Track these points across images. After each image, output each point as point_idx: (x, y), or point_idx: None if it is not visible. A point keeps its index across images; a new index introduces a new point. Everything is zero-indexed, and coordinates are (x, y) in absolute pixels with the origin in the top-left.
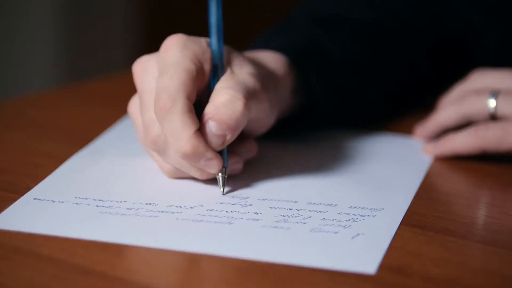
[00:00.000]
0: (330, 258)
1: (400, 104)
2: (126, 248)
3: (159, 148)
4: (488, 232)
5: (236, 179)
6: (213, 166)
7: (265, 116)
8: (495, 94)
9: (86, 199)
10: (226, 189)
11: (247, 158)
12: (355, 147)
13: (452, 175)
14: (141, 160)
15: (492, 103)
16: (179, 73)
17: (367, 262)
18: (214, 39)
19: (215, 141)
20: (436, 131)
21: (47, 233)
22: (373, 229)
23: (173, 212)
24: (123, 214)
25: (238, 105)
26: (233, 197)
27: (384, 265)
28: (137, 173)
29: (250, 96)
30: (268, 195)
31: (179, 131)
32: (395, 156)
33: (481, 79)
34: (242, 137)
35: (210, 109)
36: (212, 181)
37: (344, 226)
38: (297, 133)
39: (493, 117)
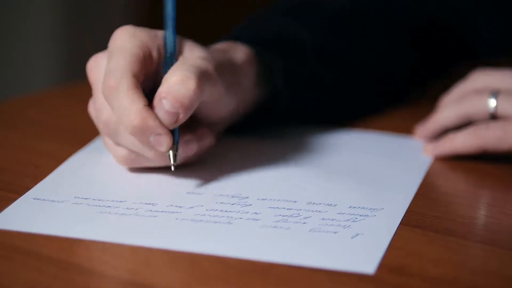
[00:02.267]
0: (329, 258)
1: (387, 97)
2: (126, 248)
3: (111, 131)
4: (488, 232)
5: (236, 179)
6: (163, 143)
7: (220, 100)
8: (495, 93)
9: (86, 198)
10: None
11: (203, 147)
12: (355, 147)
13: (452, 175)
14: None
15: (492, 102)
16: (124, 56)
17: (367, 262)
18: (170, 29)
19: (168, 119)
20: (436, 131)
21: (47, 233)
22: (372, 229)
23: (172, 212)
24: (122, 214)
25: (191, 83)
26: (233, 196)
27: (384, 265)
28: (137, 173)
29: (202, 76)
30: (267, 195)
31: (127, 107)
32: (395, 156)
33: (481, 78)
34: (198, 124)
35: (163, 89)
36: (212, 182)
37: (344, 226)
38: (280, 128)
39: (493, 116)
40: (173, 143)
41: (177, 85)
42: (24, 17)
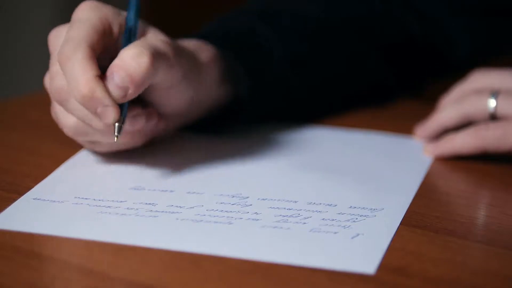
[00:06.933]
0: (330, 258)
1: (352, 102)
2: (126, 248)
3: (62, 98)
4: (488, 232)
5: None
6: (109, 114)
7: (177, 86)
8: (495, 94)
9: (86, 199)
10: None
11: (151, 127)
12: (355, 147)
13: (452, 175)
14: (140, 160)
15: (492, 103)
16: (85, 26)
17: (367, 262)
18: (132, 8)
19: (117, 93)
20: (436, 131)
21: (47, 233)
22: (373, 229)
23: (173, 212)
24: (123, 214)
25: (143, 59)
26: (233, 196)
27: (384, 265)
28: (137, 173)
29: (158, 55)
30: (267, 195)
31: (78, 75)
32: (395, 156)
33: (481, 79)
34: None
35: (116, 62)
36: (212, 182)
37: (344, 226)
38: (278, 128)
39: (493, 117)
40: (120, 116)
41: (130, 59)
42: (24, 17)
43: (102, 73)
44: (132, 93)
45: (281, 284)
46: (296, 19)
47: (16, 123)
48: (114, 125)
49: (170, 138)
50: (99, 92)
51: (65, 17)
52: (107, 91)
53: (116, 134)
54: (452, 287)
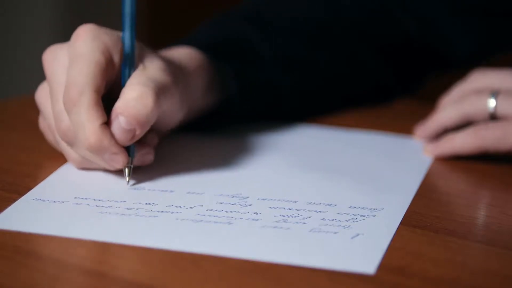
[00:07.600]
0: (329, 258)
1: (351, 102)
2: (126, 248)
3: (69, 139)
4: (488, 232)
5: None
6: (118, 161)
7: (175, 111)
8: (495, 94)
9: (86, 199)
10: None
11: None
12: (355, 147)
13: (452, 175)
14: None
15: (492, 103)
16: (88, 65)
17: (367, 262)
18: (127, 30)
19: (124, 136)
20: (436, 131)
21: (47, 233)
22: (372, 229)
23: (172, 212)
24: (122, 214)
25: (148, 100)
26: (233, 196)
27: (384, 265)
28: (137, 173)
29: (160, 91)
30: (267, 195)
31: (85, 124)
32: (395, 156)
33: (481, 79)
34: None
35: (120, 105)
36: (213, 182)
37: (344, 226)
38: (278, 129)
39: (493, 117)
40: (129, 158)
41: (134, 101)
42: (24, 17)
43: (106, 105)
44: (139, 134)
45: (281, 284)
46: (295, 20)
47: (16, 123)
48: (124, 169)
49: (170, 138)
50: (106, 141)
51: (65, 17)
52: (114, 139)
53: (127, 176)
54: (452, 287)
